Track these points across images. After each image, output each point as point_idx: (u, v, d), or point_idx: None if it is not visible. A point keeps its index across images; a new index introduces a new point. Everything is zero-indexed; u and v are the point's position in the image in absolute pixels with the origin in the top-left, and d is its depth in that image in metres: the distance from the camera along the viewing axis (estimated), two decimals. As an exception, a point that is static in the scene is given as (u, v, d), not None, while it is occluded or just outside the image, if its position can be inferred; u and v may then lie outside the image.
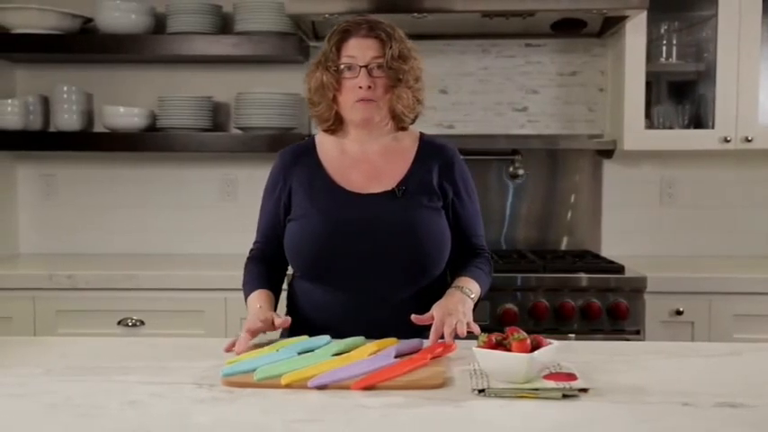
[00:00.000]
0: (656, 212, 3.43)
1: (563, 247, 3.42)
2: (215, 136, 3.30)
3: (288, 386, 1.42)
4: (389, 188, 1.90)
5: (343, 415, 1.29)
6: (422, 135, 2.02)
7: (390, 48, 1.85)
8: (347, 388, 1.41)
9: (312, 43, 3.37)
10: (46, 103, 3.39)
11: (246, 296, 1.91)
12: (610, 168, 3.42)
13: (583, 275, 2.84)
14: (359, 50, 1.85)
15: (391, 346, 1.64)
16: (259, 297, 1.87)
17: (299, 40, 3.20)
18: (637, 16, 3.00)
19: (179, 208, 3.49)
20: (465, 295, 1.82)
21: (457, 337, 1.68)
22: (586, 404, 1.34)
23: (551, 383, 1.41)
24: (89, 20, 3.28)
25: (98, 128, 3.42)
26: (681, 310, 2.82)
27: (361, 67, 1.84)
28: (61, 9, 3.19)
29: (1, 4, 3.21)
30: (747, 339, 2.74)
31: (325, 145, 1.98)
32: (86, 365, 1.59)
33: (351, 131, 1.95)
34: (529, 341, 1.43)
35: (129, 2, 3.21)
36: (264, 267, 1.98)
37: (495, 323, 2.78)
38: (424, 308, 1.79)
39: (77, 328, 2.85)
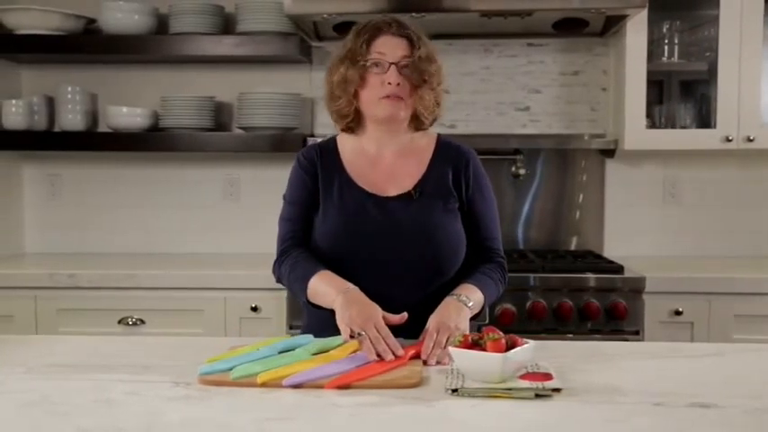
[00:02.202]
0: (659, 212, 3.41)
1: (565, 246, 3.41)
2: (217, 136, 3.31)
3: (264, 385, 1.43)
4: (406, 190, 1.91)
5: (314, 414, 1.29)
6: (439, 136, 2.02)
7: (419, 48, 1.86)
8: (322, 387, 1.42)
9: (314, 43, 3.38)
10: (51, 103, 3.42)
11: (310, 274, 1.82)
12: (612, 168, 3.40)
13: (581, 275, 2.83)
14: (389, 48, 1.85)
15: (371, 345, 1.64)
16: (336, 278, 1.80)
17: (301, 40, 3.21)
18: (637, 15, 2.98)
19: (182, 208, 3.52)
20: (462, 303, 1.80)
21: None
22: (559, 404, 1.34)
23: (525, 383, 1.41)
24: (92, 20, 3.32)
25: (102, 128, 3.45)
26: (680, 310, 2.80)
27: (390, 63, 1.84)
28: (64, 10, 3.22)
29: (4, 5, 3.25)
30: (747, 340, 2.73)
31: (345, 145, 1.99)
32: (68, 364, 1.60)
33: (369, 129, 1.94)
34: (504, 341, 1.43)
35: (132, 3, 3.24)
36: (310, 252, 1.91)
37: (493, 323, 2.77)
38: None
39: (78, 327, 2.88)
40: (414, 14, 2.87)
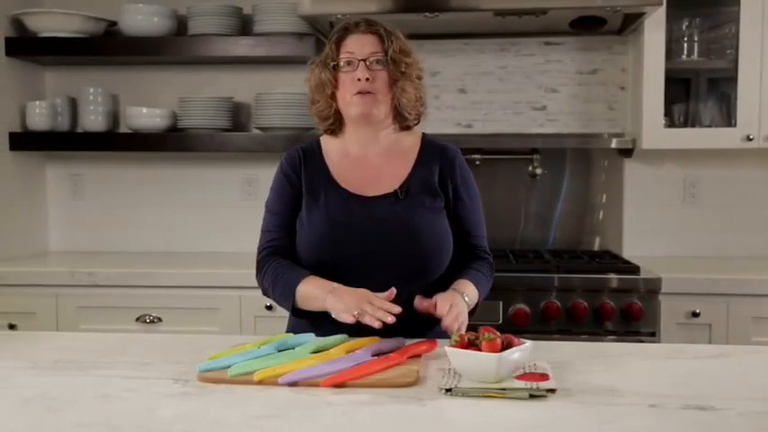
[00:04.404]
0: (680, 212, 3.37)
1: (583, 246, 3.38)
2: (235, 136, 3.35)
3: (260, 383, 1.44)
4: (391, 190, 1.91)
5: (305, 412, 1.30)
6: (424, 135, 2.03)
7: (391, 43, 1.88)
8: (317, 385, 1.43)
9: (331, 44, 3.39)
10: (73, 104, 3.48)
11: (294, 284, 1.82)
12: (631, 168, 3.37)
13: (596, 276, 2.81)
14: (358, 46, 1.88)
15: (371, 344, 1.65)
16: (321, 280, 1.82)
17: (317, 40, 3.22)
18: (655, 13, 2.95)
19: (200, 207, 3.55)
20: (461, 298, 1.81)
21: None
22: (552, 404, 1.33)
23: (521, 383, 1.40)
24: (113, 23, 3.36)
25: (123, 129, 3.50)
26: (697, 311, 2.77)
27: (359, 60, 1.86)
28: (86, 13, 3.27)
29: (27, 8, 3.31)
30: (766, 343, 2.68)
31: (329, 147, 2.00)
32: (73, 360, 1.63)
33: (350, 130, 1.96)
34: (499, 341, 1.43)
35: (152, 5, 3.28)
36: (290, 260, 1.92)
37: (506, 323, 2.77)
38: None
39: (97, 324, 2.93)
40: (427, 14, 2.88)
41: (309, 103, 1.99)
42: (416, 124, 2.00)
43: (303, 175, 1.95)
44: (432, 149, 1.99)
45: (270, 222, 1.98)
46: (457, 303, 1.76)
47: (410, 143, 1.99)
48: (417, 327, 1.79)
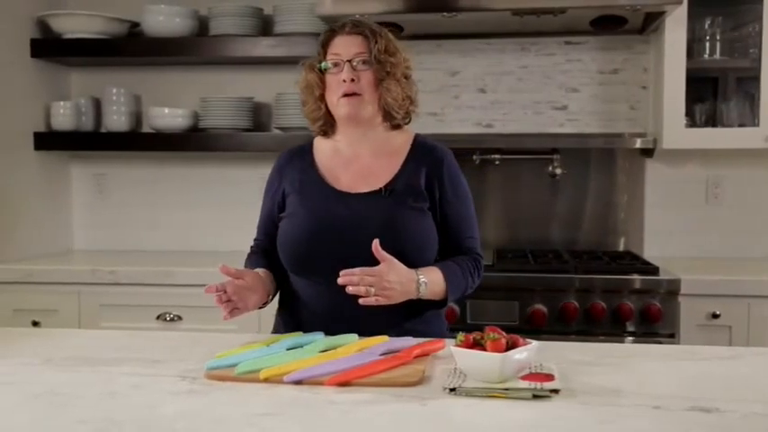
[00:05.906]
0: (702, 213, 3.33)
1: (603, 247, 3.35)
2: (256, 136, 3.37)
3: (266, 380, 1.45)
4: (377, 188, 1.92)
5: (307, 410, 1.31)
6: (416, 135, 2.03)
7: (376, 43, 1.89)
8: (322, 384, 1.43)
9: (351, 44, 3.40)
10: (97, 104, 3.52)
11: None
12: (653, 168, 3.34)
13: (614, 277, 2.79)
14: (343, 47, 1.90)
15: (379, 343, 1.65)
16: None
17: (337, 40, 3.23)
18: (676, 12, 2.92)
19: (222, 206, 3.58)
20: (416, 278, 1.80)
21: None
22: (555, 405, 1.33)
23: (525, 384, 1.40)
24: (136, 24, 3.41)
25: (145, 129, 3.54)
26: (717, 313, 2.74)
27: (345, 62, 1.88)
28: (109, 14, 3.32)
29: (51, 10, 3.36)
30: (788, 345, 2.65)
31: (321, 147, 2.02)
32: (86, 357, 1.65)
33: (341, 131, 1.98)
34: (504, 341, 1.43)
35: (174, 6, 3.32)
36: (263, 258, 2.01)
37: (524, 323, 2.76)
38: (405, 306, 1.82)
39: (119, 322, 2.96)
40: (445, 14, 2.87)
41: (301, 105, 2.01)
42: (407, 123, 2.01)
43: (289, 174, 1.99)
44: (421, 150, 1.98)
45: (259, 220, 2.10)
46: (384, 273, 1.74)
47: (401, 142, 1.99)
48: (395, 325, 1.81)
